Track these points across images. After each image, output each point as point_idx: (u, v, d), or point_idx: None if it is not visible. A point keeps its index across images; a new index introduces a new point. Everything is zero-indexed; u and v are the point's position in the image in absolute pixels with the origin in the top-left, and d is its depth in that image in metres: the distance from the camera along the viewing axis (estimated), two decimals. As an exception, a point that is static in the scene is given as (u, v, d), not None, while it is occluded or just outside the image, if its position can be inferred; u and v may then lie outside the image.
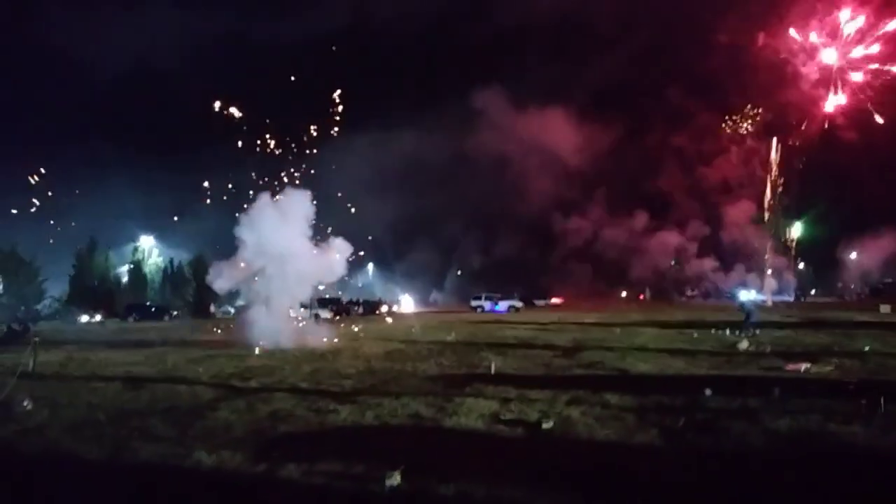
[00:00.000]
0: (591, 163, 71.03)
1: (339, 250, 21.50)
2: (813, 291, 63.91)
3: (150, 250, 67.77)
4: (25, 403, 8.34)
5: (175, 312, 54.49)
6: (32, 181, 29.78)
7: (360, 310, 51.12)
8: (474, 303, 52.81)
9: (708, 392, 8.20)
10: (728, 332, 18.30)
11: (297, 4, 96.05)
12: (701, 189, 70.22)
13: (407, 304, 63.80)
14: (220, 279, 20.74)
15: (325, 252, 21.19)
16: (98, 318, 49.61)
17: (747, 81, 59.83)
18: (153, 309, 54.31)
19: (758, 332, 17.73)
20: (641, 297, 76.18)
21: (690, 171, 71.06)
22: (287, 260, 19.58)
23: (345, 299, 54.74)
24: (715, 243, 71.36)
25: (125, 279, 64.84)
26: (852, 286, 64.68)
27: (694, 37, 69.02)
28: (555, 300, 67.26)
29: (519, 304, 51.30)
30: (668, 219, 73.69)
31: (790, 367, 10.95)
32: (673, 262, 76.93)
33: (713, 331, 19.12)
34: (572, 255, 75.19)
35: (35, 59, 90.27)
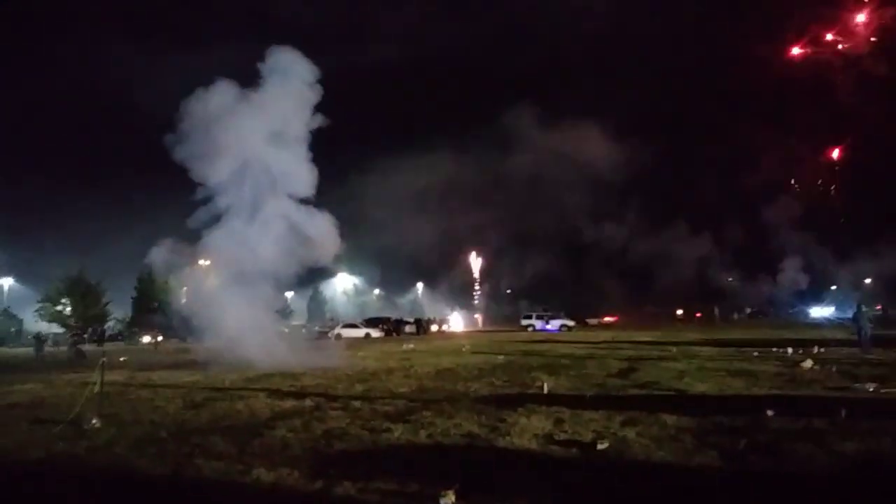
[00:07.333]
0: (628, 175, 69.67)
1: (324, 224, 18.67)
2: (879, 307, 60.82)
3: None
4: (94, 421, 8.72)
5: None
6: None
7: (414, 329, 51.31)
8: (525, 321, 52.38)
9: (770, 413, 7.94)
10: (791, 350, 17.64)
11: (350, 38, 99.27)
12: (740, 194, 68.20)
13: (456, 322, 63.73)
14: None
15: (311, 217, 18.40)
16: (147, 338, 50.63)
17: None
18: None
19: (870, 353, 16.76)
20: (699, 315, 74.03)
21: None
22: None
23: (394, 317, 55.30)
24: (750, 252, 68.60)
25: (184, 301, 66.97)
26: None
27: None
28: (608, 319, 66.15)
29: (571, 322, 50.62)
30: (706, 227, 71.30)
31: (857, 386, 10.49)
32: (730, 279, 74.68)
33: (775, 349, 18.49)
34: (609, 267, 73.30)
35: (102, 98, 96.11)
